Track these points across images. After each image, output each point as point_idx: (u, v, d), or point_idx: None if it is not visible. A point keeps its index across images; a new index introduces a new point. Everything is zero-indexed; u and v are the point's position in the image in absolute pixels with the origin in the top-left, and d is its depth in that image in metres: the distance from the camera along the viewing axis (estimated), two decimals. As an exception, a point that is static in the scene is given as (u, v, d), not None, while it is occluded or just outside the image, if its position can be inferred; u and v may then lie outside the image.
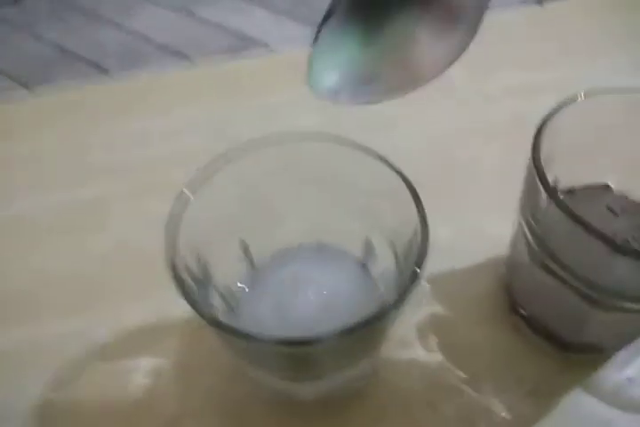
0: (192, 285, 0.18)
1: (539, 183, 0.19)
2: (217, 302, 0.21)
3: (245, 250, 0.23)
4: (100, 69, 1.18)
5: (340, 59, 0.14)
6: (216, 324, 0.15)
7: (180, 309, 0.25)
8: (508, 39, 0.41)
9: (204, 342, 0.24)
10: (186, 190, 0.19)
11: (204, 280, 0.20)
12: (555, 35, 0.41)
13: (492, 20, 0.44)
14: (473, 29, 0.15)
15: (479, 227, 0.29)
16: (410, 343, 0.25)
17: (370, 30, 0.14)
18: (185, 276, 0.18)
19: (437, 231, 0.28)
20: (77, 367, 0.25)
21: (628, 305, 0.20)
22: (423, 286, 0.27)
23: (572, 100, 0.21)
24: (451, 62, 0.15)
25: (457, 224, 0.29)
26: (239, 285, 0.23)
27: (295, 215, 0.23)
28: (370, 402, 0.23)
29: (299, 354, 0.16)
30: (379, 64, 0.14)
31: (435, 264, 0.27)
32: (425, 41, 0.14)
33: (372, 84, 0.15)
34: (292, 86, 0.37)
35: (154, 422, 0.23)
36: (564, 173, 0.23)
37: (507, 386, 0.24)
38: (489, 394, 0.23)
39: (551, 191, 0.19)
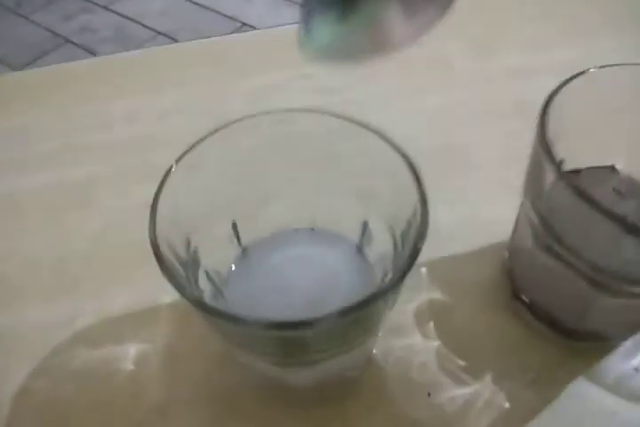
0: (178, 267, 0.17)
1: (546, 161, 0.18)
2: (206, 285, 0.20)
3: (236, 232, 0.22)
4: (93, 54, 1.16)
5: (321, 33, 0.16)
6: (201, 306, 0.14)
7: (168, 294, 0.25)
8: (510, 20, 0.40)
9: (193, 327, 0.23)
10: (172, 167, 0.18)
11: (193, 263, 0.19)
12: (557, 16, 0.40)
13: (494, 1, 0.43)
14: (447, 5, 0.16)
15: (480, 212, 0.28)
16: (407, 330, 0.24)
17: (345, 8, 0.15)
18: (170, 257, 0.17)
19: (437, 216, 0.27)
20: (62, 354, 0.24)
21: (636, 290, 0.19)
22: (422, 271, 0.26)
23: (581, 74, 0.20)
24: (422, 34, 0.16)
25: (457, 209, 0.28)
26: (230, 268, 0.22)
27: (289, 196, 0.22)
28: (366, 391, 0.22)
29: (289, 338, 0.15)
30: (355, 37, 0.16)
31: (434, 249, 0.26)
32: (397, 17, 0.16)
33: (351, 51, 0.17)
34: (287, 65, 0.36)
35: (141, 410, 0.22)
36: (569, 154, 0.22)
37: (508, 375, 0.23)
38: (489, 383, 0.23)
39: (559, 168, 0.18)
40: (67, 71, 0.38)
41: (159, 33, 1.21)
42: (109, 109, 0.34)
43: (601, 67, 0.20)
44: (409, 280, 0.25)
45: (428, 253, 0.26)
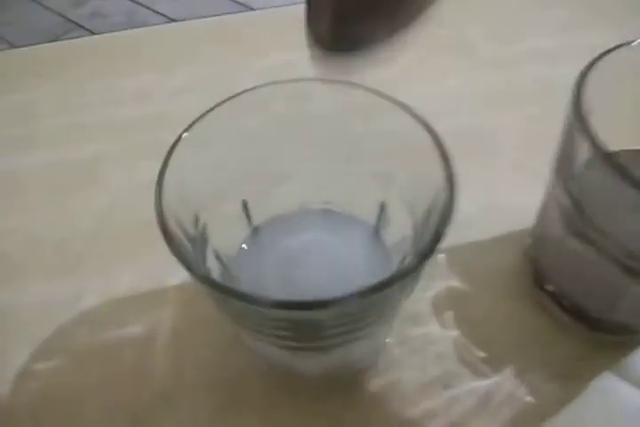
0: (186, 244, 0.16)
1: (581, 138, 0.17)
2: (214, 265, 0.19)
3: (247, 211, 0.21)
4: (105, 40, 1.14)
5: None
6: (210, 282, 0.13)
7: (175, 276, 0.24)
8: (533, 3, 0.38)
9: (200, 310, 0.22)
10: (179, 138, 0.17)
11: (201, 241, 0.18)
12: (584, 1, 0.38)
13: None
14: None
15: (500, 197, 0.27)
16: (424, 319, 0.23)
17: None
18: (178, 233, 0.16)
19: (458, 199, 0.27)
20: (64, 335, 0.23)
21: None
22: (440, 258, 0.25)
23: (619, 47, 0.18)
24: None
25: (476, 194, 0.27)
26: (239, 249, 0.21)
27: (302, 175, 0.21)
28: (379, 382, 0.21)
29: (302, 320, 0.14)
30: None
31: (452, 236, 0.24)
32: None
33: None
34: (301, 45, 0.35)
35: (145, 395, 0.21)
36: (604, 135, 0.21)
37: (530, 367, 0.22)
38: (510, 376, 0.21)
39: (596, 144, 0.16)
40: (77, 47, 0.37)
41: (170, 19, 1.20)
42: (120, 87, 0.33)
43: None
44: (427, 268, 0.24)
45: (446, 239, 0.25)
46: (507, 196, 0.27)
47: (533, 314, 0.23)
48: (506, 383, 0.21)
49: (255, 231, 0.21)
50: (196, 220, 0.18)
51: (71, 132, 0.31)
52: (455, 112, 0.31)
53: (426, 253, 0.14)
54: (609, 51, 0.18)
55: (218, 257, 0.19)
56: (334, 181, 0.21)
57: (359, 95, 0.18)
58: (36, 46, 0.38)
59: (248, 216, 0.21)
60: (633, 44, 0.18)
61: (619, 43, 0.22)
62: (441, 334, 0.23)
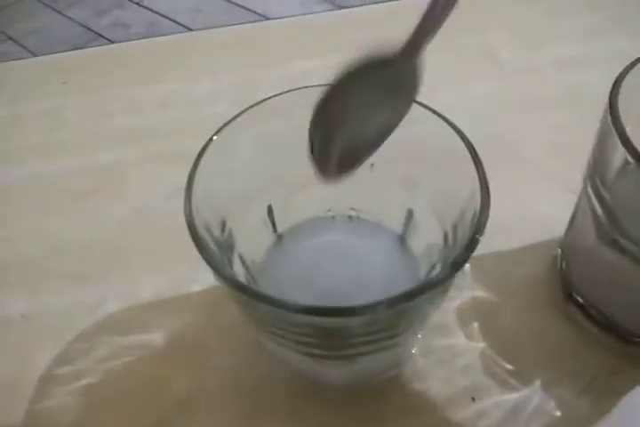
0: (214, 248, 0.16)
1: (617, 143, 0.16)
2: (240, 270, 0.18)
3: (272, 217, 0.21)
4: (125, 50, 1.16)
5: None
6: (237, 285, 0.13)
7: (198, 282, 0.24)
8: (560, 10, 0.38)
9: (223, 317, 0.22)
10: (208, 143, 0.17)
11: (227, 246, 0.18)
12: (606, 6, 0.38)
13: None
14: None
15: (527, 206, 0.26)
16: (450, 330, 0.22)
17: None
18: (206, 237, 0.16)
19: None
20: (87, 340, 0.23)
21: None
22: (466, 268, 0.24)
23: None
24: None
25: (503, 203, 0.26)
26: (264, 254, 0.20)
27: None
28: (405, 393, 0.21)
29: (329, 327, 0.14)
30: None
31: (480, 245, 0.25)
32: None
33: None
34: (321, 53, 0.35)
35: (166, 401, 0.21)
36: (637, 142, 0.20)
37: (559, 381, 0.21)
38: (538, 389, 0.21)
39: (632, 148, 0.16)
40: (100, 56, 0.38)
41: (190, 29, 1.21)
42: (141, 95, 0.33)
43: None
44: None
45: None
46: (535, 205, 0.26)
47: (562, 326, 0.22)
48: (534, 397, 0.21)
49: (280, 237, 0.21)
50: (223, 224, 0.18)
51: (94, 140, 0.31)
52: (482, 119, 0.31)
53: (458, 262, 0.14)
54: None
55: (243, 262, 0.19)
56: (360, 187, 0.20)
57: None
58: (58, 55, 0.38)
59: (273, 222, 0.21)
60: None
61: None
62: (467, 346, 0.22)
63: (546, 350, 0.22)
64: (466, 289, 0.24)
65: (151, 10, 1.28)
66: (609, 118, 0.17)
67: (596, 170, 0.19)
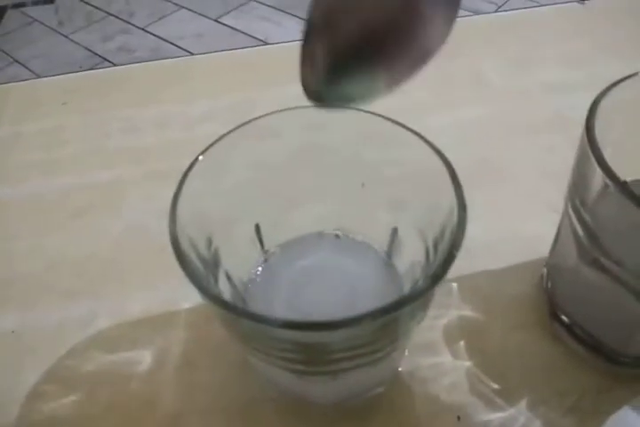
0: (199, 265, 0.17)
1: (594, 166, 0.17)
2: (226, 288, 0.19)
3: (259, 235, 0.21)
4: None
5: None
6: (219, 302, 0.13)
7: (188, 300, 0.24)
8: (547, 36, 0.39)
9: (212, 335, 0.22)
10: (194, 165, 0.17)
11: (213, 264, 0.18)
12: (594, 31, 0.39)
13: (532, 17, 0.43)
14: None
15: (515, 227, 0.27)
16: (436, 348, 0.23)
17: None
18: (191, 254, 0.16)
19: (470, 230, 0.26)
20: (76, 358, 0.23)
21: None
22: (453, 287, 0.25)
23: (631, 77, 0.19)
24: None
25: (491, 224, 0.27)
26: (251, 272, 0.21)
27: (315, 200, 0.21)
28: (390, 412, 0.21)
29: (309, 342, 0.14)
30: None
31: (466, 265, 0.25)
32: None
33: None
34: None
35: (155, 419, 0.21)
36: (616, 164, 0.21)
37: (544, 400, 0.21)
38: (524, 408, 0.21)
39: (610, 172, 0.16)
40: (101, 78, 0.39)
41: (193, 54, 1.24)
42: (140, 116, 0.34)
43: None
44: (439, 296, 0.24)
45: (459, 268, 0.24)
46: (522, 225, 0.27)
47: (548, 345, 0.22)
48: (520, 416, 0.21)
49: (268, 255, 0.21)
50: (210, 242, 0.18)
51: (92, 159, 0.32)
52: (472, 142, 0.31)
53: (437, 275, 0.14)
54: (620, 80, 0.19)
55: (230, 279, 0.19)
56: (347, 206, 0.21)
57: (374, 123, 0.19)
58: (59, 76, 0.39)
59: (261, 240, 0.21)
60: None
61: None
62: (454, 364, 0.22)
63: (532, 369, 0.22)
64: (453, 308, 0.24)
65: (155, 35, 1.31)
66: (586, 142, 0.17)
67: (576, 191, 0.19)
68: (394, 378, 0.21)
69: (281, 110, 0.19)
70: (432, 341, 0.23)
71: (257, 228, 0.21)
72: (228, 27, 1.34)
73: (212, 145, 0.17)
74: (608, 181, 0.17)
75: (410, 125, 0.27)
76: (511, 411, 0.21)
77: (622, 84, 0.19)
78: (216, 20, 1.36)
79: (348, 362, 0.15)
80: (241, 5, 1.40)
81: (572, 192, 0.20)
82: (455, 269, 0.25)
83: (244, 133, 0.18)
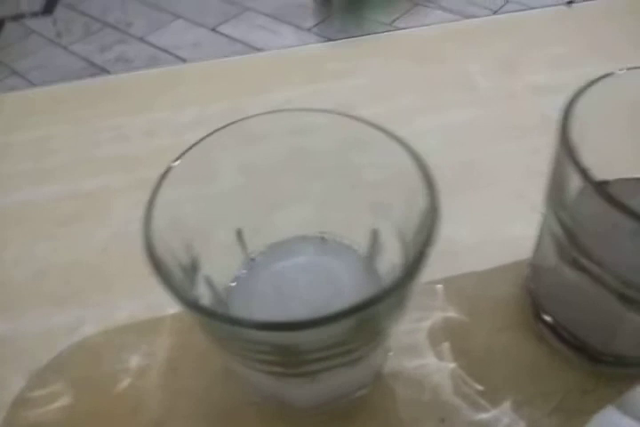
0: (177, 271, 0.17)
1: (570, 168, 0.17)
2: (206, 292, 0.19)
3: (241, 240, 0.21)
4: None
5: None
6: (191, 305, 0.13)
7: (173, 306, 0.24)
8: (534, 39, 0.39)
9: (196, 341, 0.22)
10: (169, 171, 0.17)
11: (193, 269, 0.18)
12: (582, 36, 0.39)
13: (519, 21, 0.43)
14: None
15: (500, 228, 0.27)
16: (421, 350, 0.23)
17: None
18: (168, 260, 0.16)
19: (456, 232, 0.27)
20: (61, 365, 0.23)
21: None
22: (437, 289, 0.25)
23: (606, 76, 0.19)
24: None
25: (477, 225, 0.27)
26: (234, 276, 0.21)
27: (297, 204, 0.21)
28: (373, 414, 0.21)
29: (281, 342, 0.14)
30: None
31: (451, 266, 0.25)
32: None
33: None
34: (303, 82, 0.36)
35: (139, 424, 0.21)
36: (594, 164, 0.21)
37: (529, 401, 0.21)
38: (508, 409, 0.21)
39: (585, 175, 0.16)
40: (91, 87, 0.39)
41: (186, 62, 1.25)
42: (129, 124, 0.35)
43: (628, 69, 0.19)
44: (424, 298, 0.24)
45: (444, 269, 0.25)
46: (507, 227, 0.27)
47: (533, 346, 0.22)
48: (504, 418, 0.21)
49: (250, 259, 0.21)
50: (189, 247, 0.18)
51: (81, 167, 0.32)
52: (458, 145, 0.31)
53: (407, 274, 0.15)
54: (595, 81, 0.19)
55: (211, 284, 0.19)
56: (330, 209, 0.21)
57: (357, 127, 0.19)
58: (50, 86, 0.40)
59: (243, 244, 0.21)
60: (618, 73, 0.19)
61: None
62: (438, 366, 0.22)
63: (516, 370, 0.22)
64: (438, 310, 0.24)
65: (153, 45, 1.32)
66: (561, 144, 0.18)
67: (554, 192, 0.19)
68: (377, 380, 0.21)
69: (262, 113, 0.19)
70: (417, 343, 0.23)
71: (239, 231, 0.21)
72: (226, 36, 1.35)
73: (187, 151, 0.18)
74: (583, 181, 0.17)
75: (397, 129, 0.27)
76: (495, 412, 0.21)
77: (598, 84, 0.19)
78: (213, 30, 1.37)
79: (325, 363, 0.16)
80: (238, 14, 1.41)
81: (550, 193, 0.20)
82: (440, 271, 0.25)
83: (224, 137, 0.19)
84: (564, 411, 0.21)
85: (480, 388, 0.22)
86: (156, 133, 0.34)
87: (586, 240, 0.18)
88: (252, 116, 0.19)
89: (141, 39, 1.35)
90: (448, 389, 0.21)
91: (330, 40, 1.27)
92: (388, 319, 0.16)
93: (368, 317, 0.14)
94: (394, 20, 1.37)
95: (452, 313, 0.24)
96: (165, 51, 1.29)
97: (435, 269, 0.25)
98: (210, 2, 1.46)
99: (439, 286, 0.24)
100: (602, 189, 0.16)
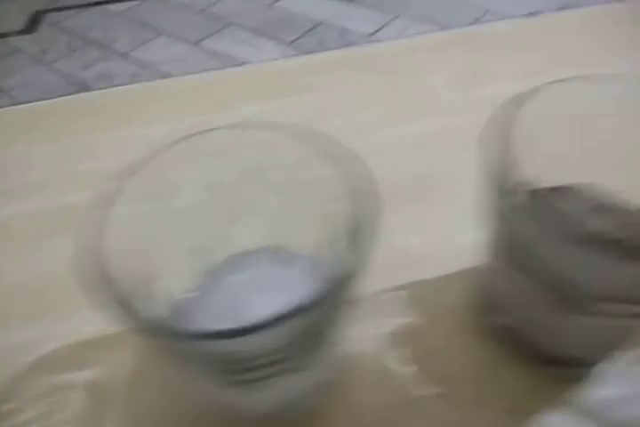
0: (129, 286, 0.17)
1: (508, 178, 0.18)
2: (163, 307, 0.19)
3: (198, 253, 0.22)
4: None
5: None
6: (131, 316, 0.14)
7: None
8: (501, 50, 0.40)
9: (156, 355, 0.23)
10: (119, 189, 0.18)
11: (147, 283, 0.19)
12: (545, 46, 0.40)
13: (483, 32, 0.44)
14: None
15: (454, 237, 0.28)
16: (379, 355, 0.23)
17: None
18: (119, 275, 0.17)
19: (411, 239, 0.27)
20: (24, 379, 0.23)
21: (608, 307, 0.18)
22: (395, 296, 0.25)
23: (536, 90, 0.20)
24: None
25: (430, 235, 0.28)
26: (190, 289, 0.21)
27: (254, 217, 0.22)
28: (331, 420, 0.21)
29: (220, 351, 0.15)
30: None
31: (407, 274, 0.26)
32: None
33: None
34: (269, 97, 0.37)
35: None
36: (535, 172, 0.22)
37: (484, 402, 0.22)
38: (464, 410, 0.21)
39: (522, 185, 0.17)
40: (68, 105, 0.40)
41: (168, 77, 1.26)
42: (103, 141, 0.35)
43: (559, 81, 0.20)
44: (383, 305, 0.25)
45: (401, 277, 0.26)
46: (460, 235, 0.27)
47: (487, 349, 0.23)
48: (460, 418, 0.21)
49: (207, 272, 0.22)
50: (143, 264, 0.19)
51: (55, 184, 0.33)
52: (416, 158, 0.32)
53: (340, 284, 0.15)
54: (532, 91, 0.20)
55: (167, 298, 0.20)
56: (286, 222, 0.22)
57: (312, 140, 0.19)
58: (29, 104, 0.40)
59: (200, 257, 0.22)
60: (548, 85, 0.20)
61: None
62: (396, 371, 0.23)
63: (473, 372, 0.23)
64: (395, 316, 0.25)
65: (136, 61, 1.33)
66: (500, 152, 0.18)
67: (495, 200, 0.20)
68: (334, 387, 0.22)
69: (217, 128, 0.20)
70: (376, 347, 0.23)
71: (196, 245, 0.21)
72: (209, 51, 1.36)
73: (144, 164, 0.18)
74: (521, 190, 0.18)
75: (358, 142, 0.28)
76: (450, 413, 0.21)
77: (532, 97, 0.20)
78: (196, 45, 1.38)
79: (268, 370, 0.16)
80: (221, 29, 1.43)
81: (491, 201, 0.21)
82: (398, 279, 0.26)
83: (179, 151, 0.19)
84: (518, 411, 0.21)
85: (437, 390, 0.22)
86: (129, 150, 0.35)
87: (526, 246, 0.19)
88: (204, 132, 0.20)
89: (124, 55, 1.36)
90: (406, 392, 0.22)
91: (309, 53, 1.29)
92: (328, 328, 0.16)
93: (301, 326, 0.15)
94: (375, 32, 1.39)
95: (411, 319, 0.24)
96: (148, 67, 1.30)
97: (392, 277, 0.26)
98: (193, 17, 1.48)
99: (396, 294, 0.25)
100: (537, 200, 0.17)
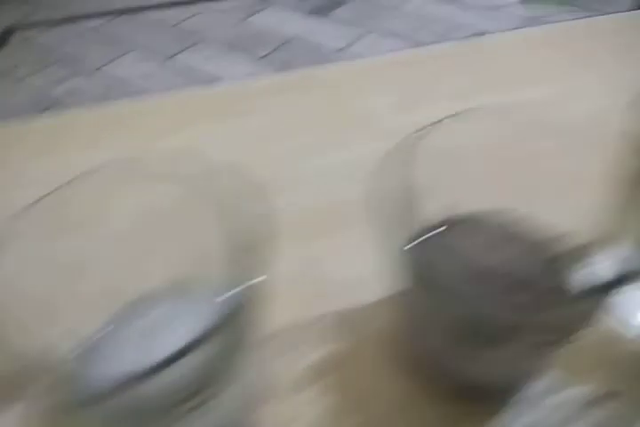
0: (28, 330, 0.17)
1: (410, 212, 0.18)
2: (69, 350, 0.19)
3: (105, 294, 0.21)
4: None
5: None
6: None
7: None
8: (439, 73, 0.41)
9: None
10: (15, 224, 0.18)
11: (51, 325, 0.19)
12: (487, 68, 0.41)
13: (423, 55, 0.45)
14: None
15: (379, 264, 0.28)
16: (302, 385, 0.23)
17: None
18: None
19: (338, 269, 0.27)
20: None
21: (519, 337, 0.19)
22: (319, 325, 0.25)
23: (435, 124, 0.20)
24: None
25: (360, 262, 0.28)
26: (97, 332, 0.21)
27: (163, 254, 0.22)
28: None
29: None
30: None
31: (334, 301, 0.26)
32: None
33: None
34: (200, 125, 0.38)
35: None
36: (440, 202, 0.22)
37: (404, 432, 0.22)
38: (384, 441, 0.22)
39: (420, 222, 0.18)
40: (9, 131, 0.39)
41: (142, 94, 1.26)
42: (39, 168, 0.35)
43: (455, 115, 0.20)
44: (307, 334, 0.25)
45: (328, 305, 0.26)
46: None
47: (408, 377, 0.23)
48: (378, 449, 0.21)
49: (114, 313, 0.22)
50: (47, 303, 0.18)
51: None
52: (344, 183, 0.32)
53: (230, 314, 0.15)
54: (420, 131, 0.20)
55: (72, 342, 0.20)
56: (197, 258, 0.22)
57: (228, 175, 0.20)
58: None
59: (107, 298, 0.21)
60: (444, 120, 0.20)
61: (518, 105, 0.24)
62: (320, 399, 0.23)
63: (396, 402, 0.23)
64: (320, 344, 0.25)
65: (107, 76, 1.32)
66: (401, 189, 0.19)
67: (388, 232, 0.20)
68: (249, 422, 0.22)
69: (94, 170, 0.20)
70: (299, 377, 0.23)
71: (104, 286, 0.21)
72: (181, 66, 1.36)
73: (22, 211, 0.18)
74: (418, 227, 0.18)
75: (295, 168, 0.27)
76: (369, 444, 0.22)
77: (428, 132, 0.20)
78: (168, 60, 1.39)
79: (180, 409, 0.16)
80: (192, 45, 1.43)
81: (388, 234, 0.21)
82: (321, 309, 0.26)
83: (66, 191, 0.19)
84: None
85: (359, 420, 0.22)
86: (64, 177, 0.34)
87: (427, 280, 0.19)
88: (92, 172, 0.20)
89: (96, 71, 1.35)
90: (329, 421, 0.22)
91: (281, 68, 1.30)
92: (229, 363, 0.16)
93: (200, 362, 0.15)
94: (346, 47, 1.40)
95: (335, 347, 0.24)
96: (118, 82, 1.30)
97: (319, 305, 0.26)
98: (164, 33, 1.48)
99: (319, 323, 0.25)
100: (433, 231, 0.18)
